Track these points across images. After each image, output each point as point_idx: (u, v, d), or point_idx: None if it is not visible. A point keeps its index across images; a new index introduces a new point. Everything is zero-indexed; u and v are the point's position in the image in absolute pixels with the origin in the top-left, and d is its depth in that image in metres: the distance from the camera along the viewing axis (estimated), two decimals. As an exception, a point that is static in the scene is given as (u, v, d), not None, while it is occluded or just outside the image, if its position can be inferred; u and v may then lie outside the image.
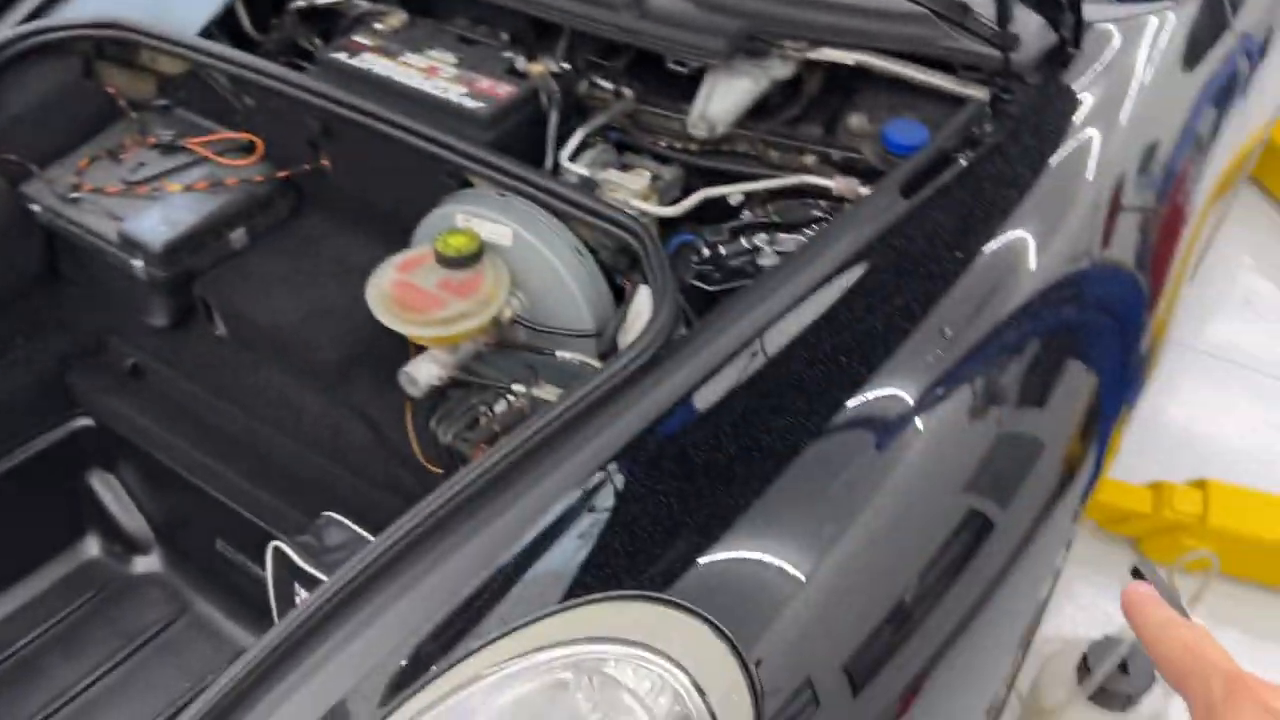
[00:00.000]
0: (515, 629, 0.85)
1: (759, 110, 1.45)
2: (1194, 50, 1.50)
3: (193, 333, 1.51)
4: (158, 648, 1.61)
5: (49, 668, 1.57)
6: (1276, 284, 2.68)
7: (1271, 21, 1.86)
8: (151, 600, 1.66)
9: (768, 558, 0.90)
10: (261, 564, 1.50)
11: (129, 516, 1.70)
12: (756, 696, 0.81)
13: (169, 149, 1.54)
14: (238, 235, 1.47)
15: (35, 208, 1.51)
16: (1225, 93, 1.60)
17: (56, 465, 1.65)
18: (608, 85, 1.52)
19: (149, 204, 1.47)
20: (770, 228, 1.27)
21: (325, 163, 1.47)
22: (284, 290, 1.42)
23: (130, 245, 1.42)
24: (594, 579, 0.89)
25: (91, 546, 1.72)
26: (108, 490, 1.70)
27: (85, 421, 1.65)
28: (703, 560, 0.88)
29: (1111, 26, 1.36)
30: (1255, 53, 1.76)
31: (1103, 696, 1.55)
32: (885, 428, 0.98)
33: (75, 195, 1.49)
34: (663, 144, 1.49)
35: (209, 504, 1.55)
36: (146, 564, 1.70)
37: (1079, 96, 1.30)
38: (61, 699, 1.54)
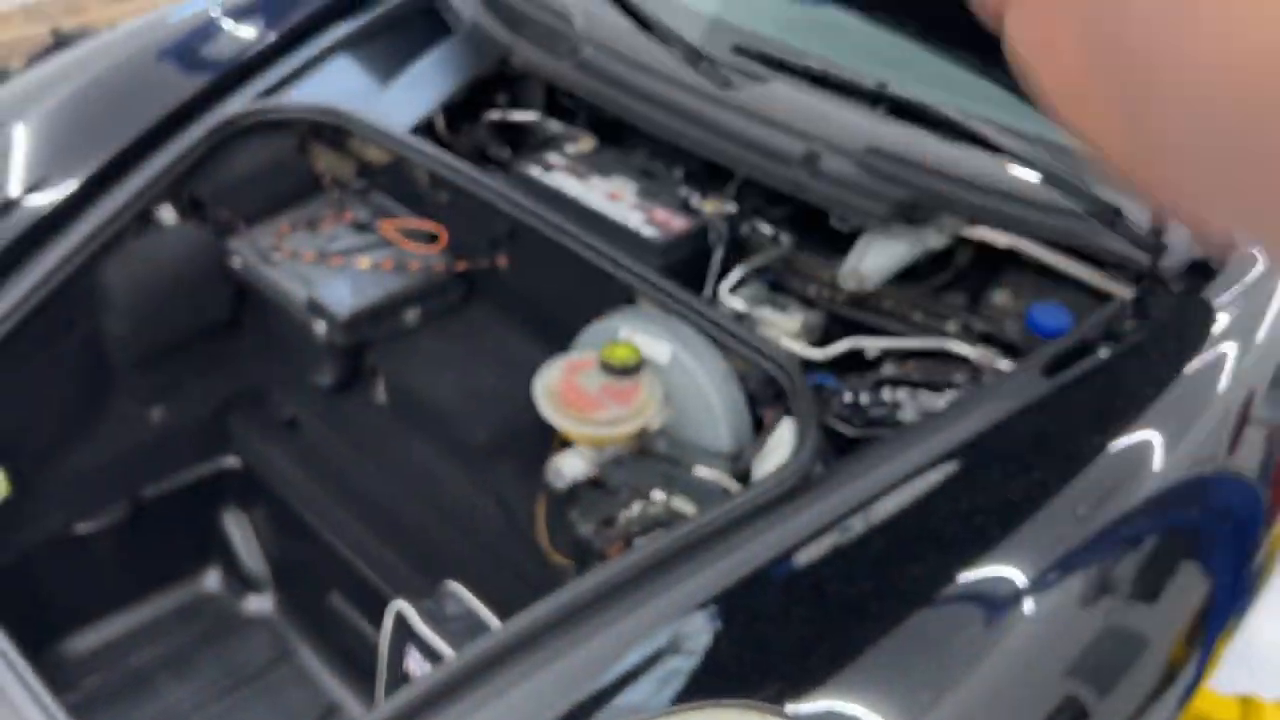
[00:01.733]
0: (639, 721, 0.92)
1: (907, 274, 1.54)
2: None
3: (353, 397, 1.64)
4: (258, 688, 1.68)
5: (156, 687, 1.66)
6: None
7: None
8: (258, 641, 1.75)
9: (868, 706, 0.95)
10: (371, 622, 1.59)
11: (252, 557, 1.80)
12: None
13: (362, 227, 1.70)
14: (412, 314, 1.60)
15: (235, 261, 1.67)
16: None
17: (198, 499, 1.77)
18: (768, 230, 1.63)
19: (338, 274, 1.61)
20: (913, 385, 1.35)
21: (502, 261, 1.61)
22: (447, 371, 1.54)
23: (316, 309, 1.56)
24: (716, 685, 0.95)
25: (212, 580, 1.82)
26: (238, 529, 1.81)
27: (233, 462, 1.77)
28: (816, 688, 0.94)
29: (1257, 250, 1.43)
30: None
31: None
32: (995, 603, 1.04)
33: (273, 256, 1.65)
34: (811, 290, 1.59)
35: (332, 557, 1.64)
36: (259, 604, 1.80)
37: (1218, 310, 1.37)
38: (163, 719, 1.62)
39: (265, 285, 1.63)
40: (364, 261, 1.63)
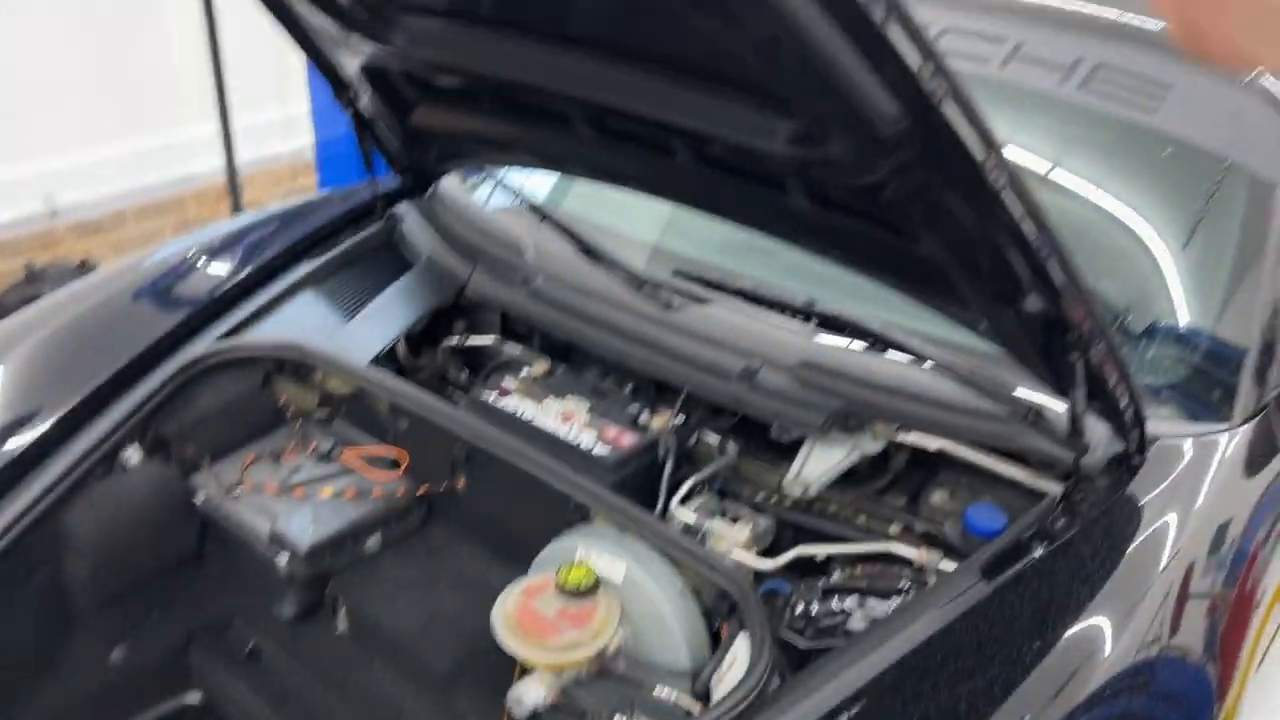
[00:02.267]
0: None
1: (849, 477, 1.61)
2: (1254, 462, 1.65)
3: (314, 626, 1.65)
4: None
5: None
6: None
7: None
8: None
9: None
10: None
11: (215, 799, 1.75)
12: None
13: (325, 457, 1.75)
14: (373, 541, 1.64)
15: (199, 497, 1.71)
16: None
17: (160, 740, 1.74)
18: (714, 440, 1.71)
19: (300, 505, 1.65)
20: (861, 592, 1.39)
21: (460, 484, 1.66)
22: (408, 596, 1.56)
23: (278, 541, 1.59)
24: None
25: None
26: (198, 769, 1.77)
27: (194, 698, 1.75)
28: None
29: (1178, 442, 1.52)
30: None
31: None
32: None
33: (236, 491, 1.69)
34: (759, 497, 1.65)
35: (294, 794, 1.61)
36: None
37: (1145, 500, 1.44)
38: None
39: (228, 520, 1.66)
40: (326, 491, 1.67)
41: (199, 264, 2.03)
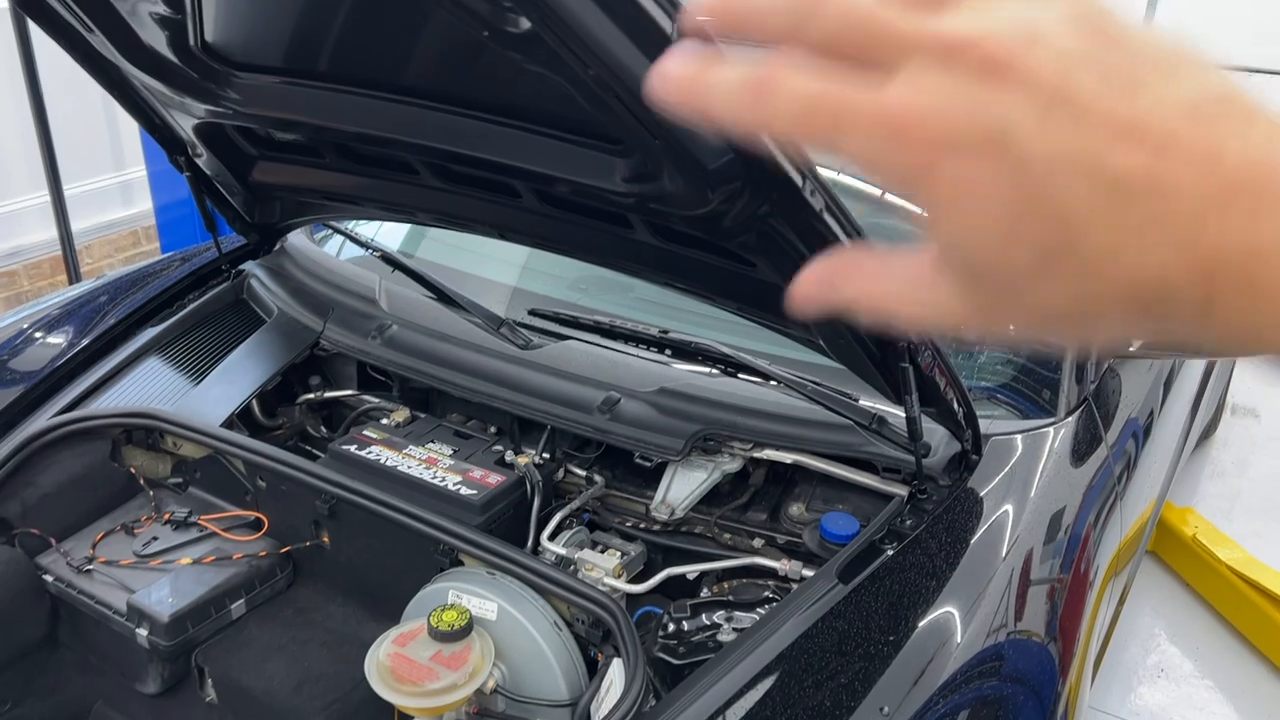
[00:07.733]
0: None
1: (712, 496, 1.67)
2: (1079, 452, 1.78)
3: (181, 700, 1.59)
4: None
5: None
6: (1184, 651, 2.85)
7: (1152, 408, 2.18)
8: None
9: None
10: None
11: None
12: None
13: (181, 524, 1.70)
14: (238, 605, 1.60)
15: (48, 578, 1.63)
16: (1115, 479, 1.86)
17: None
18: (581, 473, 1.74)
19: (158, 576, 1.60)
20: (728, 606, 1.44)
21: (325, 539, 1.64)
22: (278, 659, 1.53)
23: (137, 615, 1.53)
24: None
25: None
26: None
27: (53, 793, 1.66)
28: None
29: (1011, 437, 1.63)
30: (1140, 435, 2.06)
31: None
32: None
33: (89, 567, 1.62)
34: (629, 524, 1.69)
35: None
36: None
37: (984, 494, 1.54)
38: None
39: (81, 598, 1.59)
40: (184, 559, 1.62)
41: (35, 336, 1.95)
